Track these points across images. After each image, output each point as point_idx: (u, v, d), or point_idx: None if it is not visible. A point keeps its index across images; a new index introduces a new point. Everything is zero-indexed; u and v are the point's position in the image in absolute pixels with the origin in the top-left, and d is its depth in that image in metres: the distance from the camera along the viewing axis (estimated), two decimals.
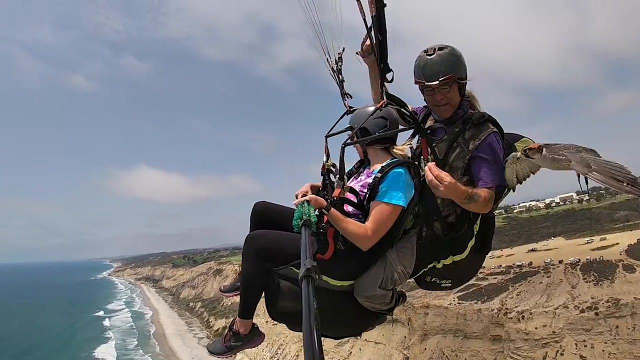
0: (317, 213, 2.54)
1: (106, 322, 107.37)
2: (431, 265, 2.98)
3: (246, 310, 2.85)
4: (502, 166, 2.75)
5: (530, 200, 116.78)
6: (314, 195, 2.67)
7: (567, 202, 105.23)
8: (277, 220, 3.00)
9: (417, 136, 3.07)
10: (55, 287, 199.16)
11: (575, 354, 40.79)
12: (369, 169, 3.01)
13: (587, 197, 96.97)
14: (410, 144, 3.09)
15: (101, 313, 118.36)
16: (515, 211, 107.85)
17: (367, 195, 2.80)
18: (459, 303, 46.90)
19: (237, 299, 2.95)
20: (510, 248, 69.97)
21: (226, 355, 2.97)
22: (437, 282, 3.08)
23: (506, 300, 45.80)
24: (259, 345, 3.17)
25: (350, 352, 52.45)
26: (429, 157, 2.85)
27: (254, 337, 2.98)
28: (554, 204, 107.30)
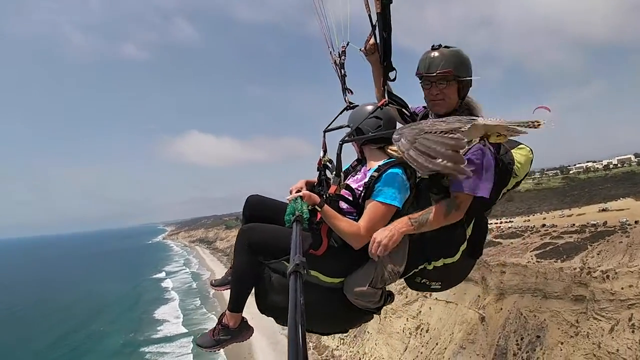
0: (310, 209, 2.56)
1: (167, 283, 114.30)
2: (422, 267, 2.97)
3: (236, 304, 2.88)
4: (489, 175, 2.64)
5: (587, 161, 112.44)
6: (307, 192, 2.67)
7: (625, 165, 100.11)
8: (270, 215, 3.02)
9: None
10: (114, 252, 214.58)
11: None
12: (366, 167, 3.01)
13: None
14: None
15: (162, 274, 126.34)
16: (571, 172, 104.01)
17: (363, 194, 2.80)
18: (537, 261, 45.75)
19: None
20: (578, 207, 67.56)
21: (215, 349, 3.02)
22: (427, 283, 3.08)
23: (587, 260, 44.10)
24: None
25: (420, 311, 52.35)
26: None
27: (243, 331, 3.03)
28: (611, 166, 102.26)
